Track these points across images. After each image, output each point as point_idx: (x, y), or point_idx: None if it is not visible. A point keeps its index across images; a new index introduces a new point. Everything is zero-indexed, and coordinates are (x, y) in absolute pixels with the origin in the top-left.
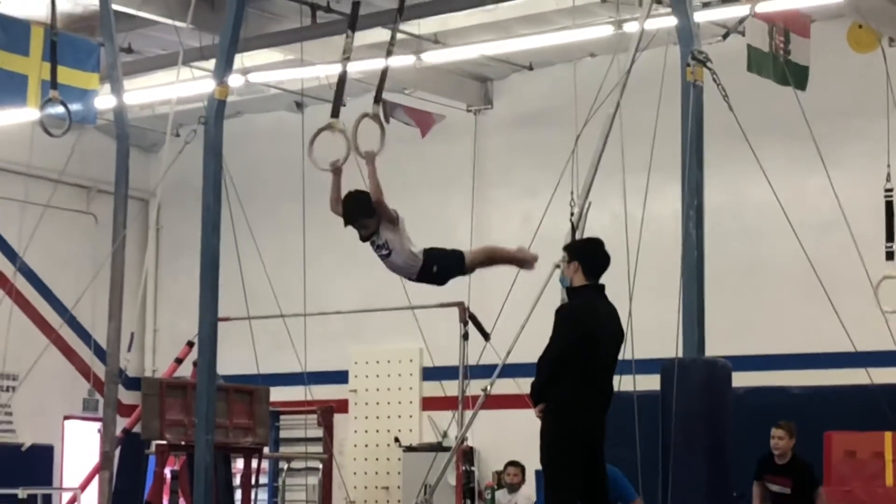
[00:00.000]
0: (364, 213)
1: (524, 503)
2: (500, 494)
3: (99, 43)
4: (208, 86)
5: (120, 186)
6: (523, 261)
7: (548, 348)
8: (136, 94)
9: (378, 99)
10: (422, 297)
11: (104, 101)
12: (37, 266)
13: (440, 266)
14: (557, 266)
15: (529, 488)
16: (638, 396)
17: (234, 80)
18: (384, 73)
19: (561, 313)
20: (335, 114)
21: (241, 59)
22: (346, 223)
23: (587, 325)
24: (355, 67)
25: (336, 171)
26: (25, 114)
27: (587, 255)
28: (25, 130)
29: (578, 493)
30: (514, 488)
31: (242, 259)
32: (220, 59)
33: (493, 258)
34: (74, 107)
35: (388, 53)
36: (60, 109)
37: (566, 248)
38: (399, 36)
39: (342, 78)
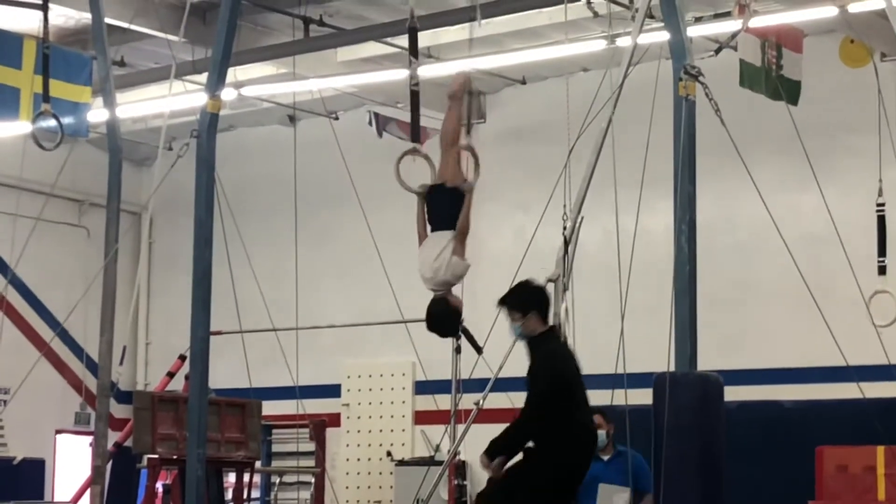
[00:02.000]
0: (452, 332)
1: None
2: None
3: (91, 56)
4: (201, 99)
5: (112, 200)
6: (457, 93)
7: (535, 395)
8: (129, 108)
9: (468, 128)
10: (414, 311)
11: (96, 114)
12: (28, 279)
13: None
14: (550, 281)
15: None
16: (630, 410)
17: (227, 94)
18: (470, 102)
19: (545, 360)
20: (416, 138)
21: (234, 73)
22: (430, 330)
23: (567, 367)
24: (349, 81)
25: (422, 193)
26: (17, 127)
27: (540, 302)
28: (17, 143)
29: None
30: None
31: (235, 272)
32: (212, 72)
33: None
34: (66, 120)
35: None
36: (52, 122)
37: (517, 303)
38: (391, 50)
39: (415, 103)
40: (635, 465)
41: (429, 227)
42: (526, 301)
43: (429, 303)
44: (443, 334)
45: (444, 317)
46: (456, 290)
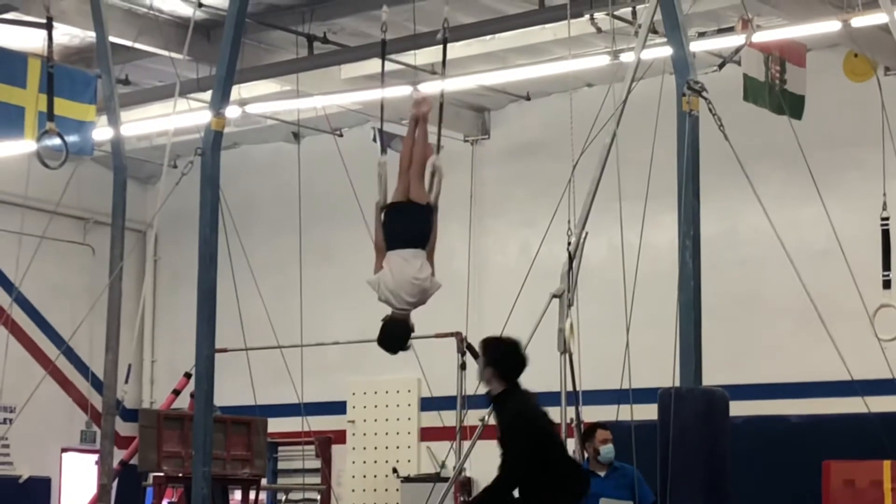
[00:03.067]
0: (402, 347)
1: None
2: None
3: (96, 74)
4: (205, 117)
5: (117, 218)
6: (420, 115)
7: (512, 461)
8: (133, 126)
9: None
10: (419, 328)
11: (101, 132)
12: (34, 297)
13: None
14: (555, 296)
15: None
16: (635, 426)
17: (231, 112)
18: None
19: (513, 422)
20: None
21: (239, 91)
22: (383, 347)
23: (540, 424)
24: (353, 98)
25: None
26: (22, 146)
27: (502, 361)
28: (22, 162)
29: None
30: None
31: (240, 290)
32: (216, 90)
33: (412, 154)
34: (71, 138)
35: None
36: (57, 141)
37: (481, 348)
38: (395, 67)
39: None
40: (635, 479)
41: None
42: (484, 356)
43: (390, 321)
44: (394, 351)
45: (403, 337)
46: (462, 310)
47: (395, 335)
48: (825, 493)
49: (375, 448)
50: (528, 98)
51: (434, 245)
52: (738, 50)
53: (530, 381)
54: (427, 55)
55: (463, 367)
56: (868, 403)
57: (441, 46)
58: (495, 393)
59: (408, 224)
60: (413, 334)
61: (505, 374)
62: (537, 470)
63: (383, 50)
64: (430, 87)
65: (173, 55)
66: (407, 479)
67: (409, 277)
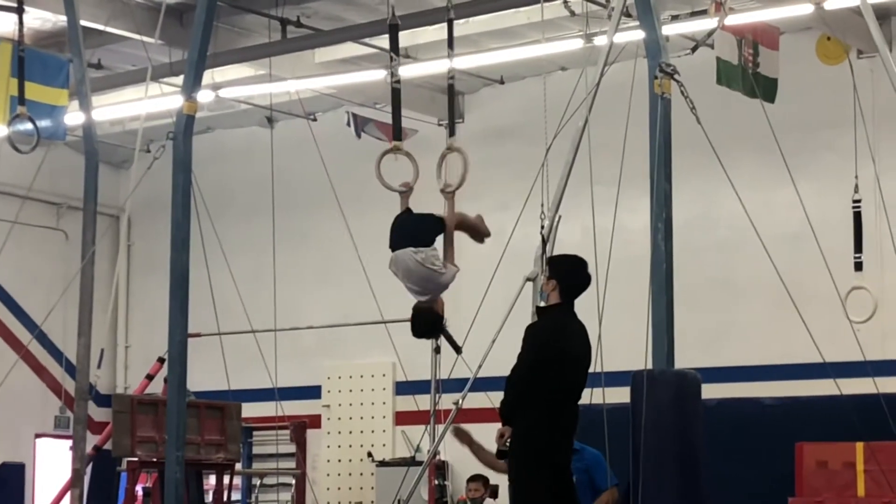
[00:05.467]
0: (433, 334)
1: None
2: None
3: (67, 59)
4: (178, 101)
5: (89, 202)
6: (480, 233)
7: (515, 368)
8: (106, 111)
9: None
10: (394, 312)
11: (73, 117)
12: (6, 283)
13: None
14: (529, 279)
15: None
16: (608, 410)
17: (204, 96)
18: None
19: (529, 332)
20: (398, 136)
21: (212, 75)
22: (416, 335)
23: (555, 347)
24: (327, 82)
25: (404, 192)
26: None
27: (567, 276)
28: None
29: None
30: (477, 502)
31: (213, 275)
32: (188, 74)
33: (461, 224)
34: (43, 123)
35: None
36: (29, 126)
37: (549, 262)
38: (369, 51)
39: (396, 100)
40: (590, 463)
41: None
42: (555, 266)
43: (413, 311)
44: (424, 337)
45: (433, 325)
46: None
47: (417, 322)
48: (798, 474)
49: (350, 432)
50: (501, 82)
51: (451, 235)
52: (711, 33)
53: (506, 364)
54: (403, 38)
55: (437, 350)
56: (840, 386)
57: (412, 30)
58: (546, 305)
59: (406, 229)
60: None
61: (564, 290)
62: (538, 389)
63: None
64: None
65: (145, 39)
66: (382, 463)
67: (406, 269)
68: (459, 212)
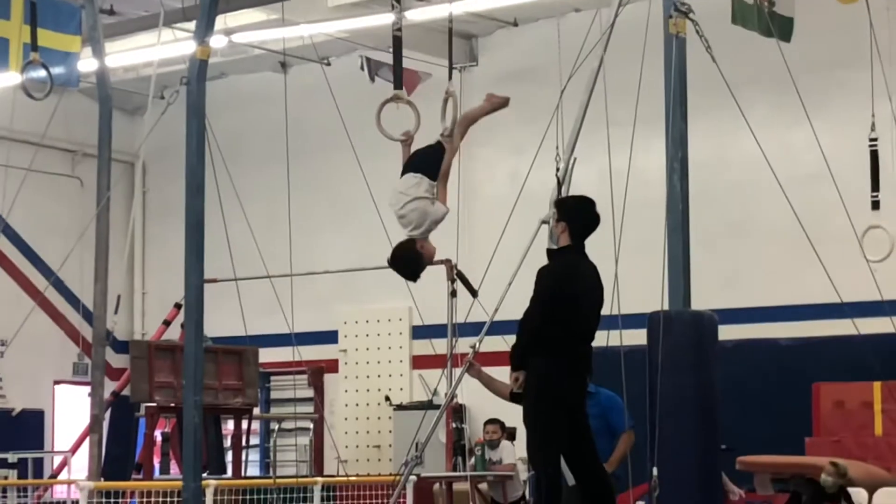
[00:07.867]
0: (415, 274)
1: (509, 457)
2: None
3: (80, 5)
4: (191, 47)
5: (103, 149)
6: (500, 107)
7: (527, 311)
8: (119, 57)
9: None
10: None
11: (87, 63)
12: (23, 230)
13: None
14: (544, 222)
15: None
16: (625, 352)
17: (217, 41)
18: None
19: (541, 275)
20: (398, 85)
21: (224, 20)
22: (393, 268)
23: (567, 289)
24: (340, 26)
25: (405, 141)
26: (7, 78)
27: (576, 217)
28: (7, 94)
29: (562, 452)
30: (494, 444)
31: (229, 221)
32: (200, 18)
33: (471, 123)
34: (56, 70)
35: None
36: (42, 73)
37: (556, 205)
38: None
39: (398, 49)
40: (606, 406)
41: None
42: (563, 208)
43: (399, 242)
44: (404, 276)
45: (409, 260)
46: (452, 237)
47: (396, 258)
48: (815, 414)
49: (367, 377)
50: (515, 24)
51: (446, 172)
52: None
53: (522, 307)
54: None
55: (453, 294)
56: (858, 325)
57: None
58: (557, 247)
59: (413, 160)
60: (424, 265)
61: (574, 231)
62: (550, 332)
63: None
64: (417, 14)
65: None
66: (399, 407)
67: (394, 190)
68: (470, 110)
